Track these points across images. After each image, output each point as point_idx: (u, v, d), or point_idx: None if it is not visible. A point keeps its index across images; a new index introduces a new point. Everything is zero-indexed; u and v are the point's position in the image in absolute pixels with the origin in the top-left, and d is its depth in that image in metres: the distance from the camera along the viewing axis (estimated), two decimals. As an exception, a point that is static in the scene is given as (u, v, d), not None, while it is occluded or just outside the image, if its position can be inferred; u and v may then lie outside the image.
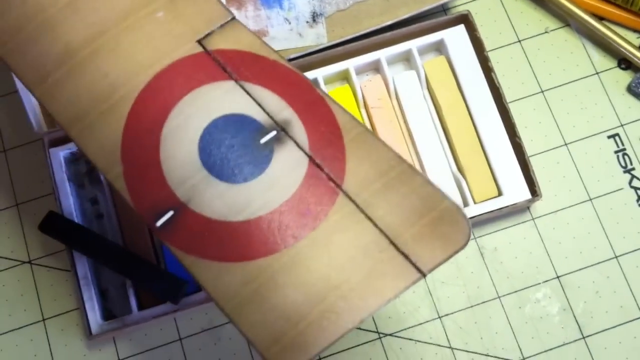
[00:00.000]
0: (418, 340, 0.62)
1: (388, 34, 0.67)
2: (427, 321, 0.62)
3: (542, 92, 0.68)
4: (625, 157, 0.66)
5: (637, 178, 0.65)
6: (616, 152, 0.66)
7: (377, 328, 0.62)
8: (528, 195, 0.63)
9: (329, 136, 0.47)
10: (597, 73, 0.69)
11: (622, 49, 0.68)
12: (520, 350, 0.62)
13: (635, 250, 0.64)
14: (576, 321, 0.62)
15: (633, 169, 0.66)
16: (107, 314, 0.62)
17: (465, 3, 0.71)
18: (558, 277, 0.63)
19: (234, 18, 0.51)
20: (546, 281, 0.63)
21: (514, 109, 0.66)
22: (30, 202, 0.66)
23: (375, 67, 0.68)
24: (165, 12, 0.51)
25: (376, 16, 0.67)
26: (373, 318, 0.62)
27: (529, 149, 0.65)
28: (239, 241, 0.45)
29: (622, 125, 0.67)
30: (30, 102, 0.63)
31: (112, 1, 0.51)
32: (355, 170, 0.46)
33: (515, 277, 0.63)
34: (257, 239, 0.45)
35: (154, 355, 0.62)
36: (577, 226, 0.65)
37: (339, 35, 0.67)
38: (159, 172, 0.47)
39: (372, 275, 0.43)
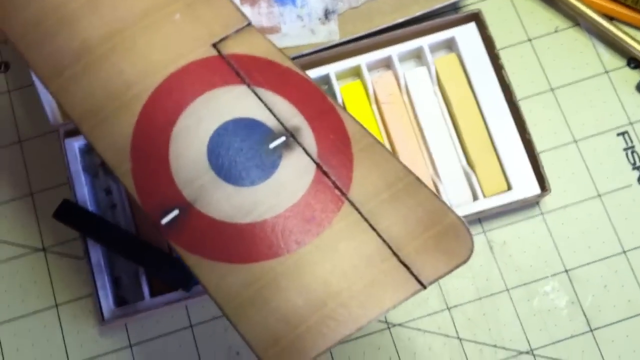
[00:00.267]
0: (426, 331, 0.62)
1: (399, 31, 0.68)
2: (436, 312, 0.63)
3: (552, 90, 0.69)
4: (634, 154, 0.66)
5: (646, 175, 0.66)
6: (625, 149, 0.67)
7: (386, 318, 0.63)
8: (537, 190, 0.63)
9: (337, 145, 0.47)
10: (607, 72, 0.69)
11: (631, 49, 0.68)
12: (528, 341, 0.62)
13: (644, 245, 0.64)
14: (584, 314, 0.62)
15: (642, 166, 0.66)
16: (120, 302, 0.63)
17: (476, 2, 0.72)
18: (566, 270, 0.64)
19: (250, 24, 0.51)
20: (554, 275, 0.64)
21: (523, 107, 0.67)
22: (44, 192, 0.67)
23: (387, 64, 0.69)
24: (182, 14, 0.51)
25: (388, 14, 0.68)
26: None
27: (538, 145, 0.65)
28: (243, 243, 0.45)
29: (631, 124, 0.68)
30: (46, 95, 0.64)
31: (131, 1, 0.52)
32: (362, 180, 0.46)
33: (523, 271, 0.64)
34: (261, 242, 0.45)
35: (165, 341, 0.63)
36: (586, 221, 0.65)
37: (351, 32, 0.68)
38: (167, 171, 0.47)
39: (373, 285, 0.43)
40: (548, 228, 0.65)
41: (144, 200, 0.47)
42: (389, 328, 0.63)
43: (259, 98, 0.49)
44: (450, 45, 0.69)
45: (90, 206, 0.64)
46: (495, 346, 0.62)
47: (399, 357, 0.62)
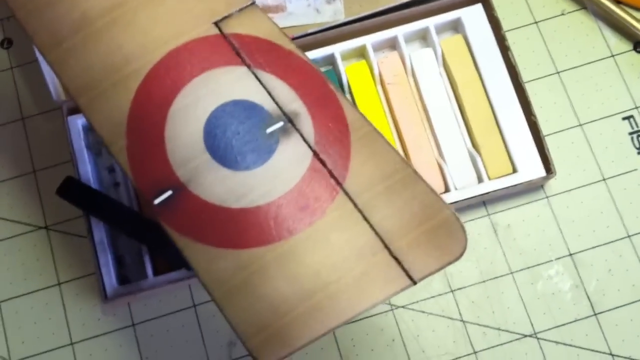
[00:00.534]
0: (430, 313, 0.62)
1: (406, 12, 0.67)
2: (440, 294, 0.63)
3: (558, 73, 0.68)
4: (640, 138, 0.67)
5: (651, 159, 0.66)
6: (631, 133, 0.67)
7: (389, 300, 0.63)
8: (543, 173, 0.63)
9: (336, 133, 0.46)
10: (613, 56, 0.69)
11: (638, 33, 0.68)
12: (532, 325, 0.62)
13: (648, 230, 0.64)
14: (588, 298, 0.62)
15: (647, 150, 0.66)
16: (123, 280, 0.63)
17: (483, -17, 0.71)
18: (571, 254, 0.64)
19: (253, 3, 0.50)
20: (559, 258, 0.63)
21: (529, 89, 0.66)
22: (47, 169, 0.67)
23: (392, 44, 0.68)
24: (185, -10, 0.51)
25: (394, -6, 0.68)
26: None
27: (543, 128, 0.65)
28: (235, 228, 0.44)
29: (636, 108, 0.67)
30: (50, 71, 0.64)
31: (133, -26, 0.51)
32: (358, 170, 0.45)
33: (528, 254, 0.64)
34: (253, 228, 0.44)
35: (167, 321, 0.63)
36: (591, 205, 0.65)
37: (357, 12, 0.67)
38: (162, 150, 0.46)
39: (363, 278, 0.43)
40: (553, 211, 0.65)
41: (137, 178, 0.46)
42: (392, 310, 0.62)
43: (259, 81, 0.48)
44: (456, 27, 0.69)
45: (93, 184, 0.63)
46: (498, 329, 0.62)
47: (402, 339, 0.62)
